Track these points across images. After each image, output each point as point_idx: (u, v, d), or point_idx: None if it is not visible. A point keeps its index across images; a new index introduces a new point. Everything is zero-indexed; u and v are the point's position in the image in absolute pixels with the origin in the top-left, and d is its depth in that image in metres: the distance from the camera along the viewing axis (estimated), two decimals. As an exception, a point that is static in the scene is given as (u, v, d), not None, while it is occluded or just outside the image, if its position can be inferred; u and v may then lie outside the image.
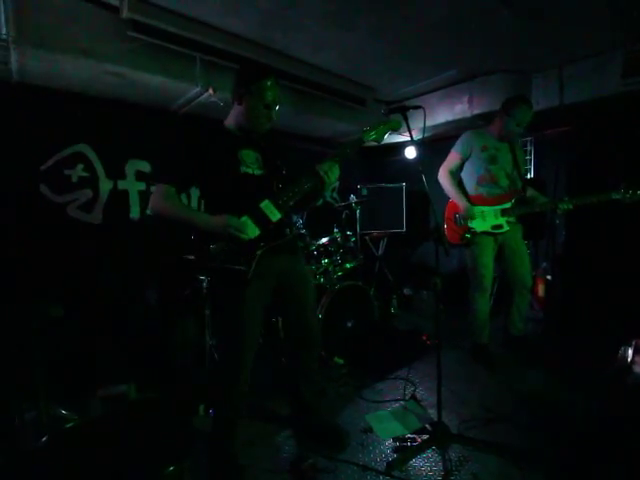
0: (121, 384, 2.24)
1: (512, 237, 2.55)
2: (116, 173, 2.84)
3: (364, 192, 4.17)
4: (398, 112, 1.83)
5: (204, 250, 1.40)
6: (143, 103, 2.85)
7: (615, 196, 2.21)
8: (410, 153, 4.10)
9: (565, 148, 3.76)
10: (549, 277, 3.78)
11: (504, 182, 2.50)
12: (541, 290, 3.87)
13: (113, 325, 2.63)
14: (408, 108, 1.79)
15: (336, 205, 3.28)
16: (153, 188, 3.01)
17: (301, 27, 2.44)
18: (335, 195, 4.51)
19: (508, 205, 2.46)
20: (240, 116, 1.55)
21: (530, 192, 2.57)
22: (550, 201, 2.42)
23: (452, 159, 2.57)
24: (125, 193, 2.89)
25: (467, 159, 2.54)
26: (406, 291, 4.39)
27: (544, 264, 3.96)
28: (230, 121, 1.59)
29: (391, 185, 4.21)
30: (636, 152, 3.18)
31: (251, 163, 1.52)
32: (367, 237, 4.15)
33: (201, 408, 2.04)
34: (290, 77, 2.93)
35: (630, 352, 2.73)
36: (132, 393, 2.28)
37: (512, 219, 2.50)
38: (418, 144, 2.39)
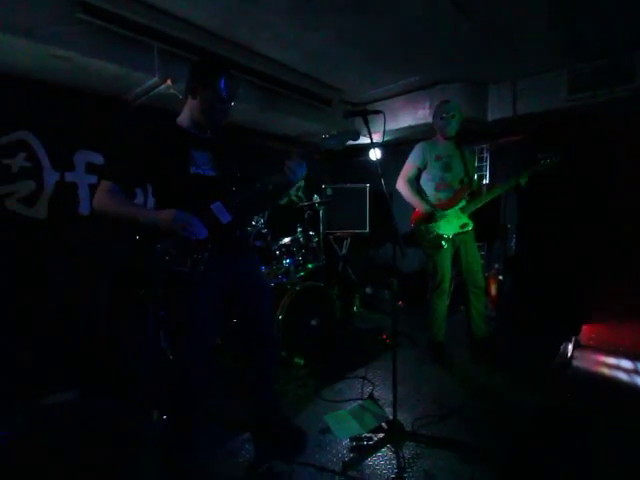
0: (67, 390, 2.10)
1: (467, 239, 2.67)
2: (63, 164, 2.63)
3: (328, 192, 4.18)
4: (358, 116, 1.85)
5: (149, 250, 1.34)
6: (96, 90, 2.66)
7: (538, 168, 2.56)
8: (374, 155, 4.17)
9: (517, 156, 3.99)
10: (501, 277, 4.00)
11: (458, 186, 2.63)
12: (493, 290, 4.08)
13: (59, 327, 2.45)
14: (368, 112, 1.81)
15: (300, 204, 3.26)
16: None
17: (266, 24, 2.40)
18: (300, 194, 4.48)
19: (464, 203, 2.59)
20: (195, 111, 1.49)
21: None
22: (510, 181, 2.58)
23: (408, 169, 2.66)
24: (74, 186, 2.70)
25: (424, 169, 2.64)
26: (368, 290, 4.47)
27: (496, 265, 4.19)
28: (184, 118, 1.53)
29: (355, 186, 4.26)
30: (579, 161, 3.44)
31: (202, 164, 1.48)
32: (331, 237, 4.18)
33: (155, 414, 1.95)
34: (255, 73, 2.88)
35: (570, 347, 2.96)
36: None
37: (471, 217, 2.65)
38: (379, 147, 2.44)
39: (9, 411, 1.94)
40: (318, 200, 3.15)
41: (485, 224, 4.01)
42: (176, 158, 1.42)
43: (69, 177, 2.67)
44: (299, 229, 2.99)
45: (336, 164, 4.83)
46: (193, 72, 1.48)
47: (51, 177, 2.58)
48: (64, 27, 2.00)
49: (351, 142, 1.69)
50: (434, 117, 2.65)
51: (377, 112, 1.82)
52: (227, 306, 1.57)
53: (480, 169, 4.32)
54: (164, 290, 1.45)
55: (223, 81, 1.45)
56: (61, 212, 2.60)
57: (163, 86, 2.49)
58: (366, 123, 1.83)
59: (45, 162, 2.55)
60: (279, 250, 2.73)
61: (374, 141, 1.84)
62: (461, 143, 2.73)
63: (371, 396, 2.15)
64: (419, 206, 2.59)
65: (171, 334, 1.56)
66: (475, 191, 2.70)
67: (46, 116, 2.52)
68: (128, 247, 1.52)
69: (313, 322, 2.54)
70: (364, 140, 4.13)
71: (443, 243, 2.53)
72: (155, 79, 2.43)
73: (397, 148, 4.36)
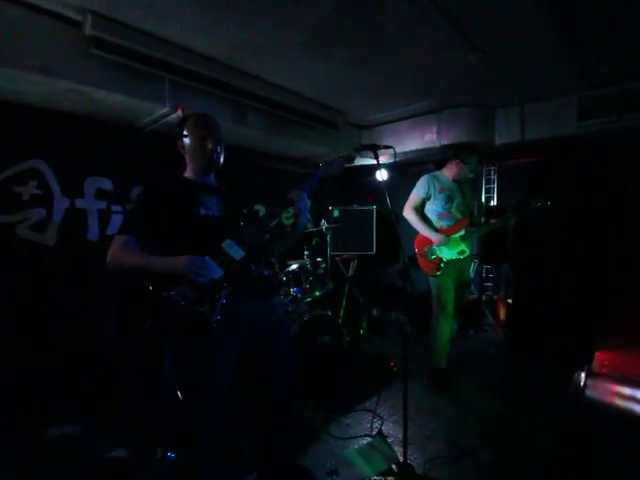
0: (68, 424, 2.08)
1: (464, 265, 2.82)
2: (73, 191, 2.67)
3: (335, 213, 4.19)
4: (369, 150, 1.86)
5: (164, 298, 1.33)
6: (106, 119, 2.71)
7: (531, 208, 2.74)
8: (381, 176, 4.17)
9: (526, 178, 3.99)
10: (510, 301, 3.95)
11: (459, 215, 2.78)
12: (502, 313, 4.04)
13: (64, 355, 2.45)
14: (379, 147, 1.82)
15: (308, 228, 3.27)
16: (115, 207, 2.88)
17: (275, 55, 2.44)
18: (308, 215, 4.49)
19: (464, 232, 2.74)
20: (191, 163, 1.58)
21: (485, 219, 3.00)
22: (500, 219, 2.84)
23: (414, 199, 2.80)
24: (83, 212, 2.73)
25: (428, 199, 2.77)
26: (375, 312, 4.43)
27: (505, 288, 4.15)
28: (188, 172, 1.61)
29: (362, 207, 4.27)
30: (588, 186, 3.43)
31: (212, 206, 1.53)
32: (338, 258, 4.17)
33: (159, 451, 1.93)
34: (263, 100, 2.91)
35: (583, 377, 2.90)
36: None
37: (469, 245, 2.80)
38: (386, 168, 2.50)
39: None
40: (325, 226, 3.15)
41: (493, 248, 4.02)
42: (187, 203, 1.47)
43: (79, 204, 2.70)
44: (306, 252, 2.99)
45: (342, 184, 4.84)
46: (176, 131, 1.57)
47: (61, 204, 2.62)
48: (78, 63, 2.05)
49: (359, 162, 1.73)
50: (465, 163, 2.74)
51: (388, 147, 1.83)
52: (245, 348, 1.55)
53: (488, 191, 4.33)
54: (179, 330, 1.44)
55: (196, 121, 1.54)
56: (70, 238, 2.62)
57: (173, 115, 2.54)
58: (376, 157, 1.84)
59: (55, 189, 2.59)
60: (286, 277, 2.73)
61: (381, 162, 1.86)
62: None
63: (380, 432, 2.11)
64: (426, 232, 2.72)
65: (185, 376, 1.54)
66: (474, 222, 2.89)
67: (58, 144, 2.56)
68: (140, 296, 1.53)
69: (320, 352, 2.52)
70: (370, 161, 4.20)
71: (442, 265, 2.68)
72: (166, 109, 2.48)
73: (404, 169, 4.38)
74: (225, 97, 2.72)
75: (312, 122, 3.37)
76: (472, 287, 4.02)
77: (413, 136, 3.68)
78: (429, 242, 2.69)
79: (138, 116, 2.67)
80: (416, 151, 3.74)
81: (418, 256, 2.76)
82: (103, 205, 2.82)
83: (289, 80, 2.86)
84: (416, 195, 2.78)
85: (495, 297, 4.19)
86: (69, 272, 2.57)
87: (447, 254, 2.69)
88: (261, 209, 3.47)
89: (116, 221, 2.85)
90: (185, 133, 1.53)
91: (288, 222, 1.66)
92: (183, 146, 1.56)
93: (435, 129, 3.50)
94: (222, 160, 1.60)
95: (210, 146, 1.52)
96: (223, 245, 1.42)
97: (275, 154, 3.94)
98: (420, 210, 2.78)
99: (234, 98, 2.76)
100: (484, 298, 4.21)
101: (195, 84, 2.49)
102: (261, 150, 3.76)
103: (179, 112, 2.49)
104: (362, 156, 3.63)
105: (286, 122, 3.26)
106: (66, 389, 2.34)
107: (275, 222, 1.55)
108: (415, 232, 2.79)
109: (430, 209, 2.77)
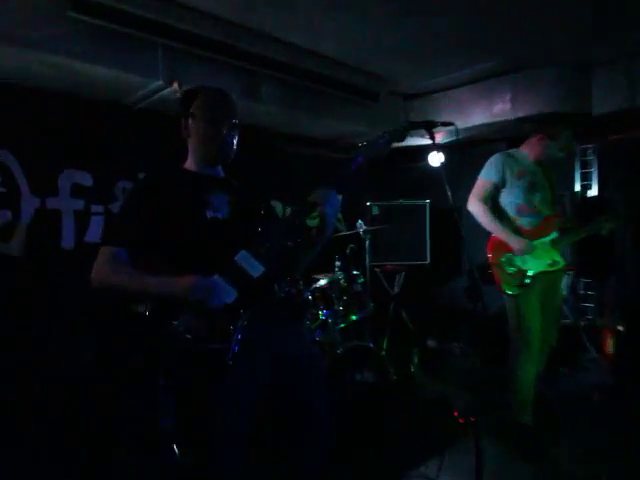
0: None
1: (555, 280, 2.70)
2: (45, 188, 2.80)
3: (375, 211, 4.18)
4: (422, 128, 1.83)
5: (165, 329, 1.34)
6: (87, 97, 2.85)
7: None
8: (435, 160, 4.13)
9: (637, 159, 3.83)
10: (620, 328, 3.78)
11: (547, 211, 2.64)
12: (609, 345, 3.86)
13: (33, 394, 2.55)
14: (436, 124, 1.78)
15: (341, 232, 3.28)
16: (95, 207, 3.00)
17: (298, 8, 2.47)
18: (339, 215, 4.51)
19: (555, 235, 2.61)
20: (197, 150, 1.57)
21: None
22: (589, 226, 2.71)
23: (482, 186, 2.67)
24: (57, 214, 2.85)
25: (502, 187, 2.64)
26: (430, 343, 4.36)
27: (612, 310, 3.97)
28: (190, 161, 1.61)
29: (411, 202, 4.24)
30: None
31: (220, 206, 1.52)
32: (378, 270, 4.14)
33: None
34: (281, 67, 2.97)
35: None
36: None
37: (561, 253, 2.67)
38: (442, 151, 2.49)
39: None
40: (363, 228, 3.14)
41: (595, 254, 3.87)
42: (190, 203, 1.47)
43: (51, 203, 2.83)
44: (338, 263, 2.98)
45: (382, 172, 4.81)
46: (180, 108, 1.57)
47: (30, 204, 2.75)
48: (52, 29, 2.16)
49: (406, 143, 1.69)
50: (552, 139, 2.61)
51: (448, 124, 1.79)
52: (268, 395, 1.53)
53: (585, 177, 4.19)
54: (182, 373, 1.45)
55: (209, 99, 1.53)
56: (40, 247, 2.74)
57: (168, 90, 2.63)
58: (432, 137, 1.81)
59: (24, 187, 2.72)
60: (313, 295, 2.73)
61: (436, 142, 1.81)
62: None
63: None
64: (501, 233, 2.60)
65: (187, 430, 1.56)
66: (565, 223, 2.75)
67: (26, 131, 2.70)
68: (129, 321, 1.56)
69: (358, 396, 2.50)
70: (421, 141, 4.16)
71: (526, 281, 2.56)
72: (159, 82, 2.57)
73: (465, 151, 4.32)
74: (231, 64, 2.79)
75: (345, 93, 3.41)
76: (565, 309, 3.87)
77: (478, 107, 3.66)
78: (508, 248, 2.58)
79: (126, 92, 2.79)
80: (482, 126, 3.72)
81: (492, 266, 2.67)
82: (80, 205, 2.94)
83: (314, 40, 2.89)
84: (486, 181, 2.65)
85: (598, 323, 4.03)
86: (38, 289, 2.68)
87: (533, 265, 2.56)
88: (278, 206, 3.52)
89: (96, 224, 2.98)
90: (192, 112, 1.52)
91: (312, 223, 1.63)
92: (187, 128, 1.55)
93: (508, 97, 3.46)
94: (235, 148, 1.59)
95: (225, 132, 1.51)
96: (237, 258, 1.40)
97: (297, 135, 4.01)
98: (492, 202, 2.66)
99: (243, 65, 2.83)
100: (582, 324, 4.05)
101: (194, 50, 2.58)
102: (279, 130, 3.83)
103: (175, 86, 2.58)
104: (410, 135, 3.62)
105: (310, 94, 3.31)
106: (31, 439, 2.41)
107: (300, 225, 1.55)
108: (487, 233, 2.69)
109: (505, 201, 2.65)
